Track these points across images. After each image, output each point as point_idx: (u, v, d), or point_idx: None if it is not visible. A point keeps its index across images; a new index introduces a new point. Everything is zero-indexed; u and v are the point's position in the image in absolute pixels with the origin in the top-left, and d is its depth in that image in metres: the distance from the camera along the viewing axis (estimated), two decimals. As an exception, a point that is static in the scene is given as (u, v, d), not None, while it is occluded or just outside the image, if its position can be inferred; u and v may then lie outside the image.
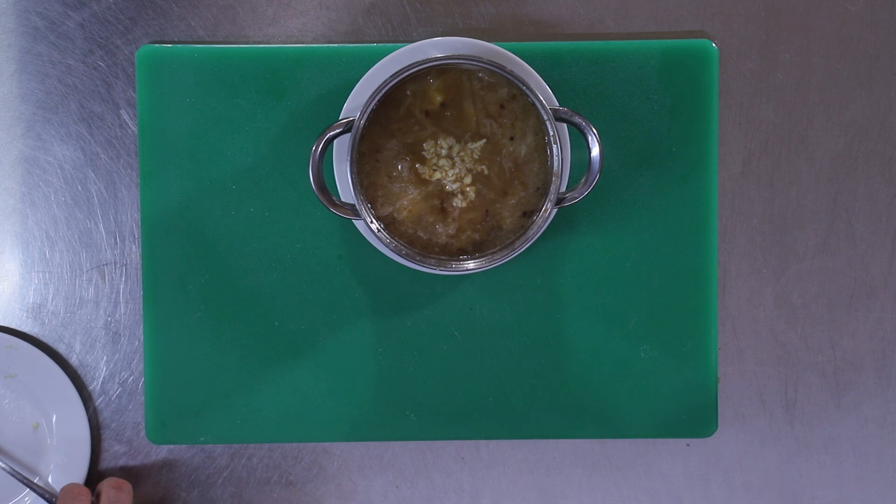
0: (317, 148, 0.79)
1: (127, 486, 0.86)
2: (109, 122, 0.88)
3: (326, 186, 0.80)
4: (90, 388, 0.89)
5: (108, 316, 0.89)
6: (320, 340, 0.88)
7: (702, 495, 0.91)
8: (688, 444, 0.90)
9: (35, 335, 0.89)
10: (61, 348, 0.89)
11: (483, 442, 0.90)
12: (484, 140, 0.81)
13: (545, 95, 0.82)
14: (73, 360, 0.89)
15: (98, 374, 0.89)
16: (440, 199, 0.82)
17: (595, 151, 0.80)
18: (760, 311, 0.90)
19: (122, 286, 0.89)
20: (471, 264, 0.81)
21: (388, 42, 0.87)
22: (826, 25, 0.89)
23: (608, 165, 0.86)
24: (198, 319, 0.87)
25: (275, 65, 0.86)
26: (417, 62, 0.79)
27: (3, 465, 0.88)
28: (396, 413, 0.88)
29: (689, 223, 0.87)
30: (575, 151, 0.84)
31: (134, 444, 0.89)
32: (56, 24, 0.88)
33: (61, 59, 0.88)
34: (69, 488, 0.85)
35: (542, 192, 0.82)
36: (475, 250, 0.83)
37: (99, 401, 0.89)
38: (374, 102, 0.79)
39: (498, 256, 0.81)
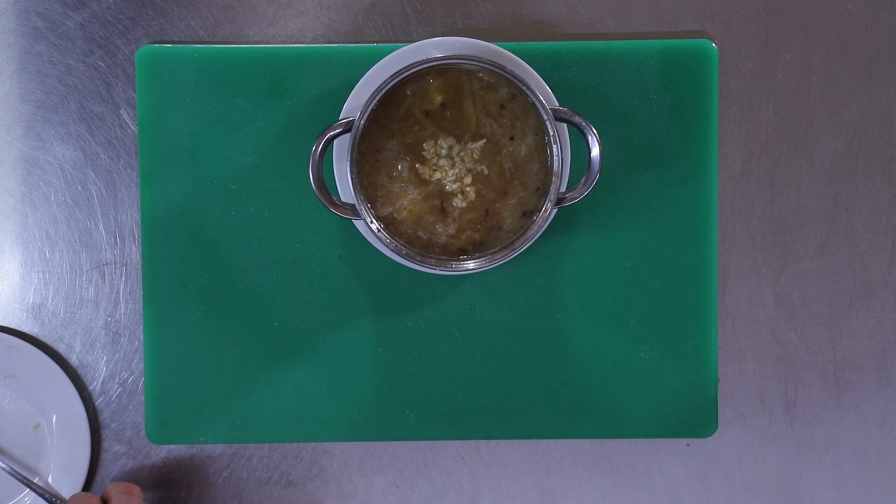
0: (317, 148, 0.79)
1: (136, 489, 0.84)
2: (109, 122, 0.88)
3: (326, 186, 0.80)
4: (90, 388, 0.89)
5: (108, 316, 0.89)
6: (320, 340, 0.88)
7: (702, 495, 0.91)
8: (688, 444, 0.90)
9: (35, 335, 0.89)
10: (61, 348, 0.89)
11: (483, 442, 0.90)
12: (484, 140, 0.81)
13: (545, 95, 0.82)
14: (73, 360, 0.89)
15: (98, 374, 0.89)
16: (440, 199, 0.82)
17: (595, 151, 0.80)
18: (760, 311, 0.90)
19: (122, 286, 0.89)
20: (471, 264, 0.81)
21: (388, 42, 0.87)
22: (826, 25, 0.89)
23: (608, 165, 0.86)
24: (198, 319, 0.87)
25: (275, 65, 0.86)
26: (417, 62, 0.79)
27: (3, 465, 0.88)
28: (396, 413, 0.88)
29: (689, 223, 0.87)
30: (575, 151, 0.84)
31: (134, 444, 0.89)
32: (56, 24, 0.88)
33: (61, 59, 0.88)
34: (77, 498, 0.82)
35: (542, 192, 0.82)
36: (475, 250, 0.83)
37: (99, 401, 0.89)
38: (374, 102, 0.79)
39: (498, 256, 0.81)
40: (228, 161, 0.87)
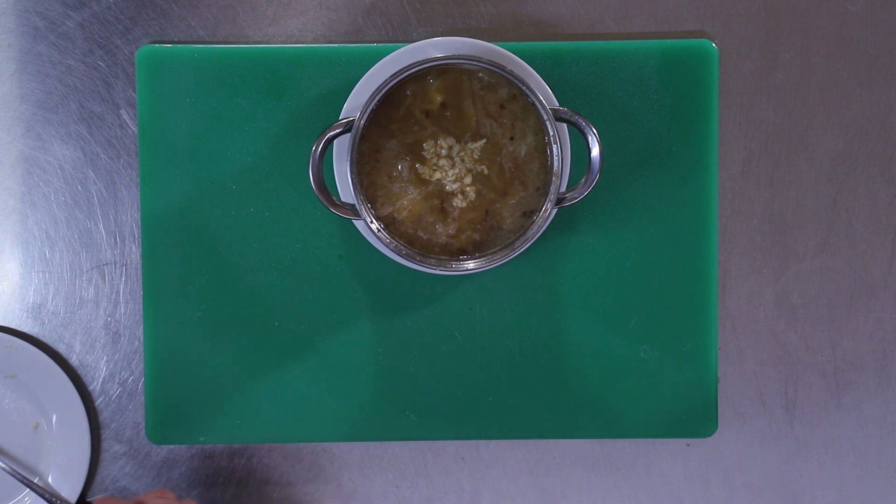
0: (317, 148, 0.79)
1: (169, 493, 0.84)
2: (109, 122, 0.88)
3: (326, 186, 0.80)
4: (90, 388, 0.89)
5: (108, 316, 0.89)
6: (320, 340, 0.88)
7: (702, 495, 0.91)
8: (688, 444, 0.90)
9: (35, 335, 0.89)
10: (61, 348, 0.89)
11: (483, 442, 0.90)
12: (484, 140, 0.81)
13: (545, 95, 0.82)
14: (73, 360, 0.89)
15: (98, 374, 0.89)
16: (440, 199, 0.82)
17: (595, 151, 0.80)
18: (760, 311, 0.90)
19: (122, 286, 0.89)
20: (471, 264, 0.81)
21: (388, 42, 0.87)
22: (826, 25, 0.89)
23: (608, 165, 0.86)
24: (198, 319, 0.87)
25: (275, 65, 0.86)
26: (417, 62, 0.79)
27: (3, 465, 0.88)
28: (396, 413, 0.88)
29: (689, 223, 0.87)
30: (575, 151, 0.84)
31: (134, 444, 0.89)
32: (56, 24, 0.88)
33: (61, 59, 0.88)
34: (104, 502, 0.81)
35: (542, 192, 0.82)
36: (475, 250, 0.83)
37: (99, 401, 0.89)
38: (374, 102, 0.79)
39: (498, 256, 0.81)
40: (228, 161, 0.87)
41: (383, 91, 0.79)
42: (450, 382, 0.88)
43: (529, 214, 0.82)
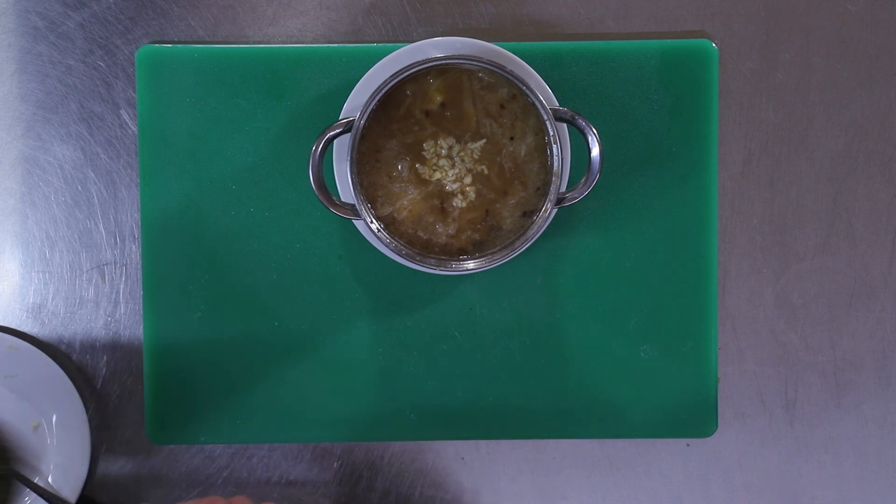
0: (317, 148, 0.79)
1: (218, 498, 0.80)
2: (109, 122, 0.88)
3: (326, 186, 0.80)
4: (90, 388, 0.89)
5: (108, 316, 0.89)
6: (320, 340, 0.88)
7: (702, 495, 0.91)
8: (688, 444, 0.90)
9: (35, 335, 0.89)
10: (61, 348, 0.89)
11: (483, 442, 0.90)
12: (484, 140, 0.81)
13: (545, 95, 0.82)
14: (73, 360, 0.89)
15: (98, 374, 0.89)
16: (440, 199, 0.82)
17: (595, 151, 0.80)
18: (760, 311, 0.90)
19: (122, 286, 0.89)
20: (471, 264, 0.81)
21: (388, 42, 0.87)
22: (826, 25, 0.89)
23: (608, 165, 0.86)
24: (198, 319, 0.87)
25: (275, 65, 0.86)
26: (417, 62, 0.79)
27: (3, 465, 0.88)
28: (396, 413, 0.88)
29: (689, 223, 0.87)
30: (575, 151, 0.84)
31: (134, 444, 0.89)
32: (56, 24, 0.88)
33: (61, 59, 0.88)
34: None
35: (542, 192, 0.82)
36: (475, 250, 0.83)
37: (99, 401, 0.89)
38: (374, 102, 0.79)
39: (498, 256, 0.81)
40: (228, 161, 0.87)
41: (383, 91, 0.79)
42: (450, 382, 0.88)
43: (529, 214, 0.82)
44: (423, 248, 0.82)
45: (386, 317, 0.88)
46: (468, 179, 0.82)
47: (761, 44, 0.89)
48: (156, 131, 0.86)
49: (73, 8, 0.88)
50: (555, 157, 0.80)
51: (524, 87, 0.79)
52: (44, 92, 0.88)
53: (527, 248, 0.82)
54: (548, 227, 0.81)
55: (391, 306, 0.88)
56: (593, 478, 0.91)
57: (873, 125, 0.89)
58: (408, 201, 0.82)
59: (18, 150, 0.88)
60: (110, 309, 0.89)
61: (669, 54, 0.87)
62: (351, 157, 0.79)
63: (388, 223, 0.82)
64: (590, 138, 0.80)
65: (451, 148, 0.81)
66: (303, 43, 0.88)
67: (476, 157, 0.81)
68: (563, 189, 0.82)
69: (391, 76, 0.78)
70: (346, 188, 0.83)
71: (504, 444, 0.90)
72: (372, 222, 0.81)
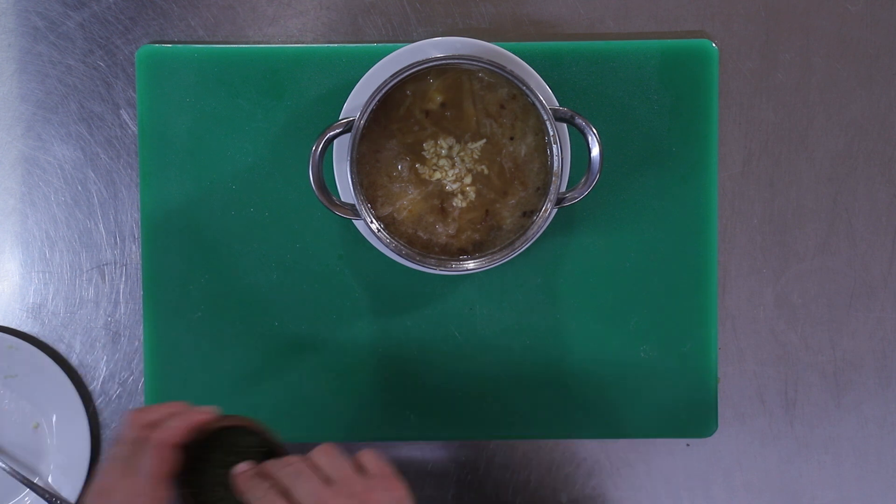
0: (317, 148, 0.79)
1: (180, 403, 0.72)
2: (109, 122, 0.88)
3: (326, 186, 0.80)
4: (90, 388, 0.89)
5: (108, 316, 0.89)
6: (320, 340, 0.88)
7: (702, 495, 0.91)
8: (688, 444, 0.90)
9: (35, 335, 0.89)
10: (61, 348, 0.89)
11: (483, 442, 0.90)
12: (484, 140, 0.81)
13: (545, 95, 0.82)
14: (73, 360, 0.89)
15: (98, 374, 0.89)
16: (440, 199, 0.82)
17: (595, 151, 0.80)
18: (760, 311, 0.90)
19: (122, 286, 0.89)
20: (471, 264, 0.81)
21: (388, 42, 0.87)
22: (826, 25, 0.89)
23: (608, 165, 0.86)
24: (198, 319, 0.87)
25: (275, 65, 0.86)
26: (417, 62, 0.79)
27: (3, 465, 0.88)
28: (396, 413, 0.88)
29: (689, 223, 0.87)
30: (575, 151, 0.84)
31: (134, 444, 0.89)
32: (56, 24, 0.88)
33: (61, 59, 0.88)
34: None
35: (542, 192, 0.81)
36: (475, 250, 0.83)
37: (99, 401, 0.89)
38: (374, 102, 0.79)
39: (498, 256, 0.81)
40: (228, 161, 0.87)
41: (383, 91, 0.79)
42: (450, 382, 0.88)
43: (529, 214, 0.82)
44: (423, 248, 0.82)
45: (386, 317, 0.88)
46: (468, 179, 0.81)
47: (761, 44, 0.89)
48: (156, 131, 0.86)
49: (73, 8, 0.88)
50: (555, 157, 0.80)
51: (524, 87, 0.79)
52: (44, 92, 0.88)
53: (527, 248, 0.82)
54: (548, 227, 0.81)
55: (391, 306, 0.88)
56: (593, 478, 0.90)
57: (873, 125, 0.89)
58: (408, 201, 0.82)
59: (18, 150, 0.88)
60: (110, 309, 0.89)
61: (669, 54, 0.87)
62: (351, 157, 0.79)
63: (388, 223, 0.82)
64: (590, 138, 0.80)
65: (451, 148, 0.81)
66: (303, 43, 0.88)
67: (476, 157, 0.81)
68: (563, 189, 0.82)
69: (391, 76, 0.78)
70: (346, 188, 0.83)
71: (504, 444, 0.90)
72: (372, 222, 0.81)
